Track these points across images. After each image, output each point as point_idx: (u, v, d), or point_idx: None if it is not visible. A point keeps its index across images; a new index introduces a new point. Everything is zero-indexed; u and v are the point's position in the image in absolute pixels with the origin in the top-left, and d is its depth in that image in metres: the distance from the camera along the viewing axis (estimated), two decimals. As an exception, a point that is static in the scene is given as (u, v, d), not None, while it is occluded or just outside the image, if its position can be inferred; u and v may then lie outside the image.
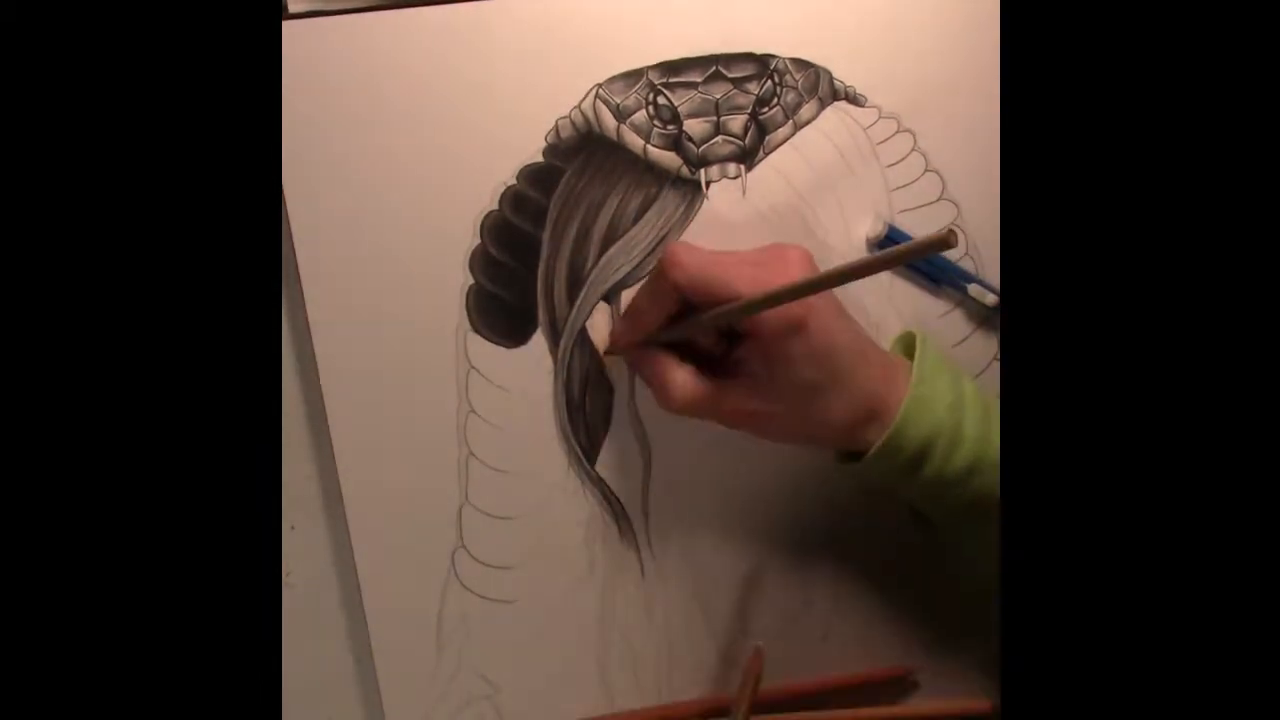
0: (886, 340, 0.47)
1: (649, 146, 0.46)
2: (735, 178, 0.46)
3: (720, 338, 0.42)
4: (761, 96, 0.46)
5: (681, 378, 0.41)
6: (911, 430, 0.41)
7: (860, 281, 0.42)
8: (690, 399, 0.41)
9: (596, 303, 0.46)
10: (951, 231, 0.29)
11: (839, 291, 0.41)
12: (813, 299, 0.39)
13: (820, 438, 0.42)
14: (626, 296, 0.46)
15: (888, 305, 0.48)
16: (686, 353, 0.42)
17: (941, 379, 0.42)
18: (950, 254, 0.47)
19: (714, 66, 0.46)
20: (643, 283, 0.45)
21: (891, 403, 0.41)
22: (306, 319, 0.45)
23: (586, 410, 0.47)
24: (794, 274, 0.39)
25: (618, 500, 0.48)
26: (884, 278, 0.47)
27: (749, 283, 0.39)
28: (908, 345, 0.45)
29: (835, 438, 0.42)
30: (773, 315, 0.39)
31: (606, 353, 0.46)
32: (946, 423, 0.41)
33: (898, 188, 0.47)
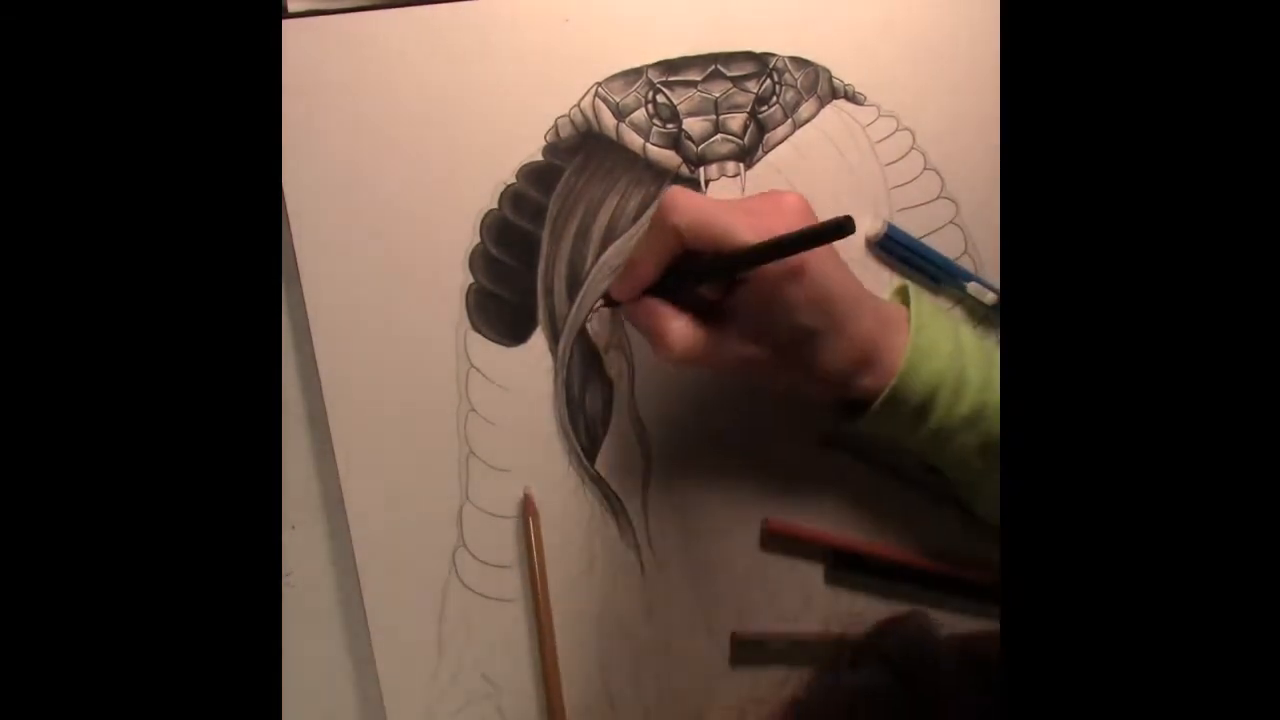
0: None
1: (648, 145, 0.46)
2: (734, 176, 0.46)
3: (718, 285, 0.41)
4: (760, 95, 0.46)
5: (679, 326, 0.41)
6: (916, 378, 0.41)
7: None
8: (689, 348, 0.41)
9: (596, 301, 0.46)
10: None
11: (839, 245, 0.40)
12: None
13: (815, 385, 0.42)
14: (626, 295, 0.46)
15: (887, 303, 0.47)
16: (680, 302, 0.42)
17: (940, 326, 0.42)
18: (950, 252, 0.47)
19: (713, 65, 0.46)
20: (637, 236, 0.45)
21: (889, 351, 0.41)
22: (306, 319, 0.45)
23: (586, 408, 0.47)
24: (791, 221, 0.39)
25: (617, 498, 0.48)
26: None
27: (748, 228, 0.38)
28: (905, 296, 0.44)
29: (830, 385, 0.42)
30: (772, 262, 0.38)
31: (603, 305, 0.46)
32: (949, 369, 0.41)
33: (897, 186, 0.47)
